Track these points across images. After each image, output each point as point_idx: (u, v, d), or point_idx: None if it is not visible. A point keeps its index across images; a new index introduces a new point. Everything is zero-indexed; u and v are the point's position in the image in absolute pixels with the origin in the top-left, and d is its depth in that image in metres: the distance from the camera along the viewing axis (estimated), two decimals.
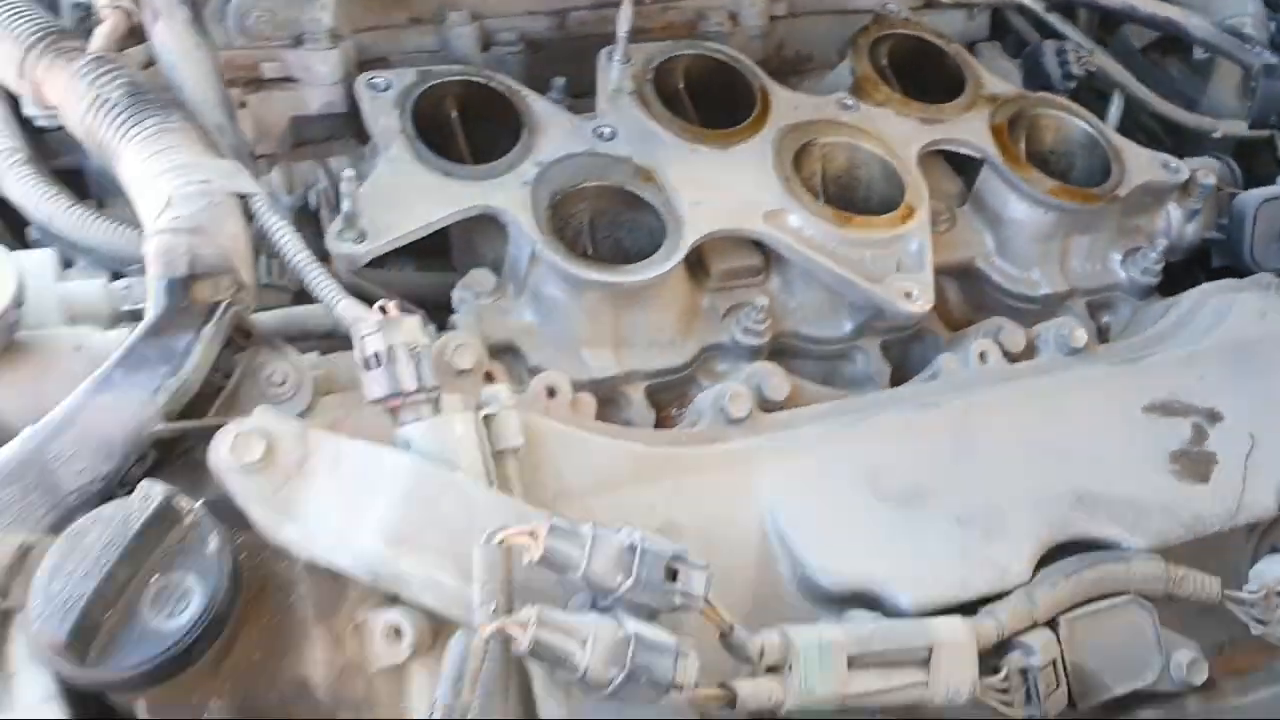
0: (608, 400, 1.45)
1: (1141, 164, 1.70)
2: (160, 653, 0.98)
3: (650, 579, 1.03)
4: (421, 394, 1.12)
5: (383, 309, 1.14)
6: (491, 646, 0.99)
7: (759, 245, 1.54)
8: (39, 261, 1.37)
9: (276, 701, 1.06)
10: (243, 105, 1.57)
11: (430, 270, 1.60)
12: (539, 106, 1.58)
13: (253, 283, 1.21)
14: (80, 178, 1.61)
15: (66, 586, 0.97)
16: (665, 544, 1.05)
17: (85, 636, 0.96)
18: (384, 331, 1.12)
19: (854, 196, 1.62)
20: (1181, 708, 1.29)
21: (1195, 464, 1.38)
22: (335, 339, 1.36)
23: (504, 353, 1.45)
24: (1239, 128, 1.88)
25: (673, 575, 1.04)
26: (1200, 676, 1.27)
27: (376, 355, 1.12)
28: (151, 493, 1.01)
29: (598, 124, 1.57)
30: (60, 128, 1.54)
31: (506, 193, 1.46)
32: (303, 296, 1.45)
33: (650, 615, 1.04)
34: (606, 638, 1.00)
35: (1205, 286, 1.60)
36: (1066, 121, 1.75)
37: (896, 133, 1.65)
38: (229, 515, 1.07)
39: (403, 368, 1.11)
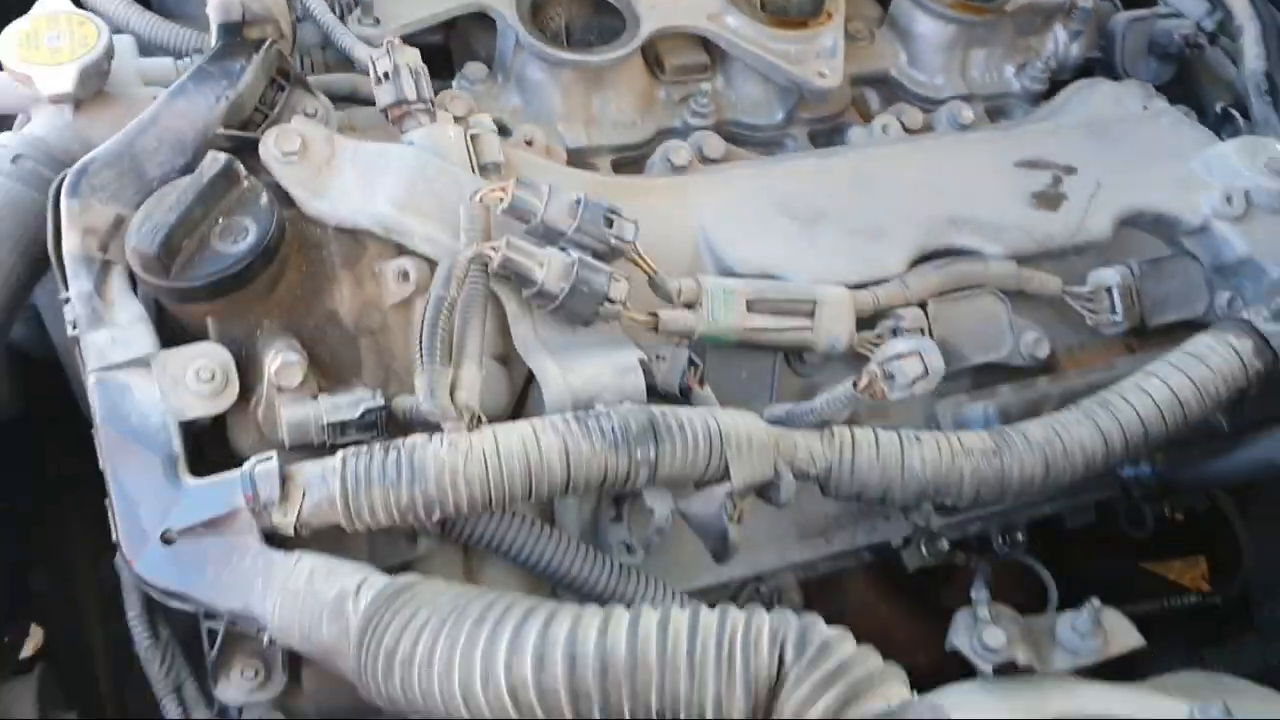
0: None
1: None
2: (227, 267, 1.31)
3: (592, 223, 1.36)
4: (420, 104, 1.46)
5: (390, 41, 1.48)
6: (472, 267, 1.33)
7: (706, 47, 1.88)
8: (122, 42, 1.71)
9: (313, 326, 1.39)
10: None
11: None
12: None
13: (290, 36, 1.55)
14: (148, 4, 1.95)
15: (155, 220, 1.31)
16: (605, 200, 1.38)
17: (170, 254, 1.30)
18: (391, 54, 1.46)
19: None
20: (1033, 384, 1.62)
21: (1049, 200, 1.70)
22: (354, 101, 1.70)
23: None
24: None
25: (610, 223, 1.37)
26: (1043, 351, 1.60)
27: (385, 73, 1.46)
28: (218, 157, 1.35)
29: None
30: None
31: None
32: None
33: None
34: (558, 260, 1.33)
35: (1078, 82, 1.93)
36: None
37: None
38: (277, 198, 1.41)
39: (405, 81, 1.45)
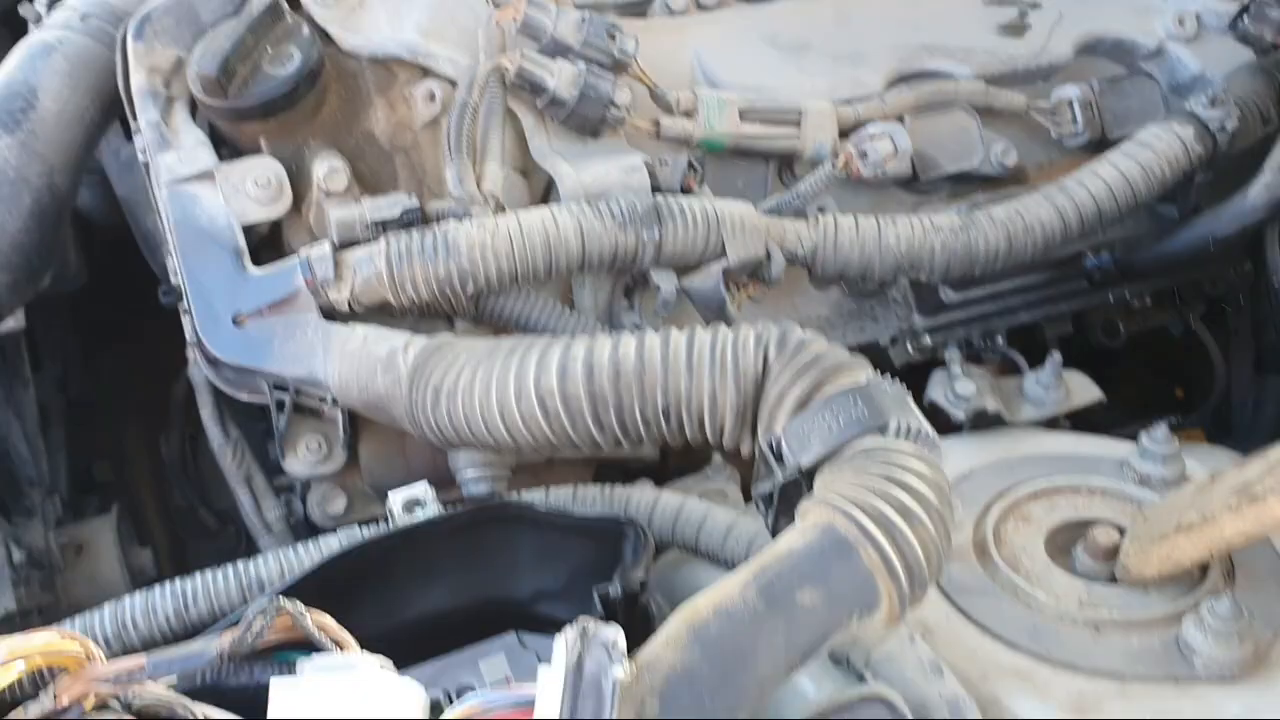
0: None
1: None
2: (277, 87, 1.49)
3: (597, 37, 1.53)
4: None
5: None
6: (491, 78, 1.50)
7: None
8: None
9: (353, 145, 1.57)
10: None
11: None
12: None
13: None
14: None
15: (213, 48, 1.49)
16: (607, 17, 1.55)
17: (228, 76, 1.47)
18: None
19: None
20: (1004, 190, 1.78)
21: (1015, 30, 1.85)
22: None
23: None
24: None
25: (612, 37, 1.54)
26: (1011, 159, 1.75)
27: None
28: None
29: None
30: None
31: None
32: None
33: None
34: (568, 70, 1.51)
35: None
36: None
37: None
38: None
39: None
